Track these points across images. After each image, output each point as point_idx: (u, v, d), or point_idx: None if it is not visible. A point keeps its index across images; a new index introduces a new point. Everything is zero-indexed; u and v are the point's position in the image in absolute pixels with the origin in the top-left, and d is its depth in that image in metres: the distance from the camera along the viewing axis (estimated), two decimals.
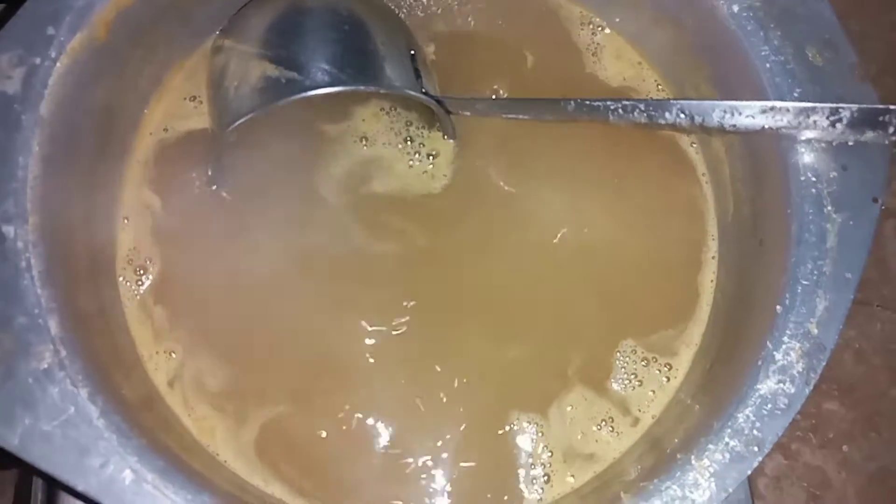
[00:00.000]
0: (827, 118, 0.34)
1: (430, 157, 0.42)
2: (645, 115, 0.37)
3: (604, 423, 0.38)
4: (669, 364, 0.39)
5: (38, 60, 0.34)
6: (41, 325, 0.31)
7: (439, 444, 0.37)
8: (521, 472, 0.37)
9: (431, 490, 0.37)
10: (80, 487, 0.29)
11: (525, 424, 0.38)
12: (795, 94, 0.36)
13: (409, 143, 0.42)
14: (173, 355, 0.38)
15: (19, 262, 0.31)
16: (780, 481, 0.53)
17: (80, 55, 0.35)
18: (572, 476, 0.37)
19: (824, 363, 0.32)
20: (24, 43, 0.34)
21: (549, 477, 0.37)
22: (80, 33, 0.35)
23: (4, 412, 0.29)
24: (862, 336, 0.57)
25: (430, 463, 0.37)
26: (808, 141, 0.35)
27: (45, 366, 0.30)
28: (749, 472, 0.31)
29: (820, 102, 0.35)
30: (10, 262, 0.31)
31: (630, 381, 0.38)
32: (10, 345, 0.30)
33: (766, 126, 0.35)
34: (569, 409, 0.38)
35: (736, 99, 0.36)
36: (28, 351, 0.30)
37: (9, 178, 0.32)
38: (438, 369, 0.38)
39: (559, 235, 0.41)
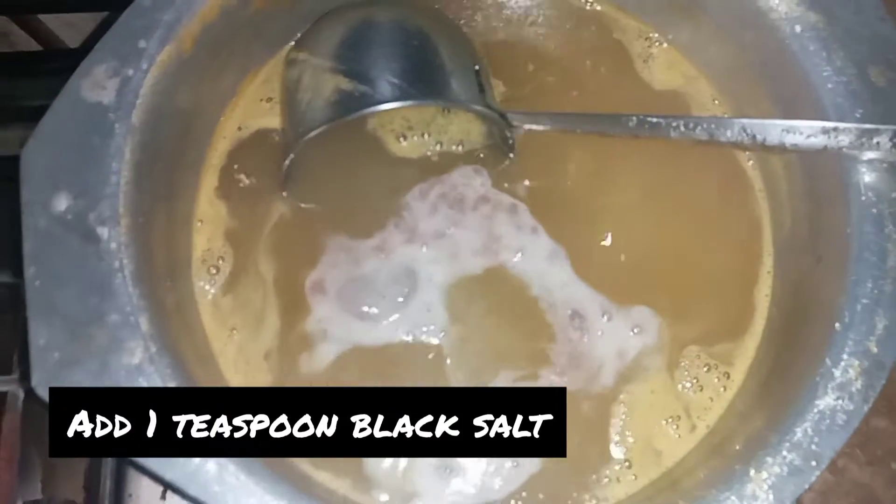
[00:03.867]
0: (890, 140, 0.34)
1: (491, 168, 0.43)
2: (706, 132, 0.38)
3: (671, 420, 0.39)
4: (728, 373, 0.40)
5: (130, 72, 0.36)
6: (133, 322, 0.33)
7: None
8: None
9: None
10: (167, 477, 0.31)
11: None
12: (857, 115, 0.36)
13: (475, 155, 0.43)
14: (234, 332, 0.40)
15: (113, 262, 0.33)
16: (826, 497, 0.53)
17: (168, 66, 0.37)
18: (634, 476, 0.38)
19: (884, 381, 0.33)
20: (118, 56, 0.36)
21: (630, 463, 0.38)
22: (168, 46, 0.37)
23: None
24: None
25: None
26: (870, 161, 0.35)
27: (137, 361, 0.32)
28: (807, 486, 0.31)
29: (882, 123, 0.35)
30: (105, 262, 0.33)
31: (693, 385, 0.40)
32: (104, 340, 0.32)
33: (828, 146, 0.35)
34: (651, 393, 0.39)
35: (796, 118, 0.37)
36: (121, 346, 0.32)
37: (103, 183, 0.34)
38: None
39: (615, 244, 0.42)
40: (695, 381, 0.40)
